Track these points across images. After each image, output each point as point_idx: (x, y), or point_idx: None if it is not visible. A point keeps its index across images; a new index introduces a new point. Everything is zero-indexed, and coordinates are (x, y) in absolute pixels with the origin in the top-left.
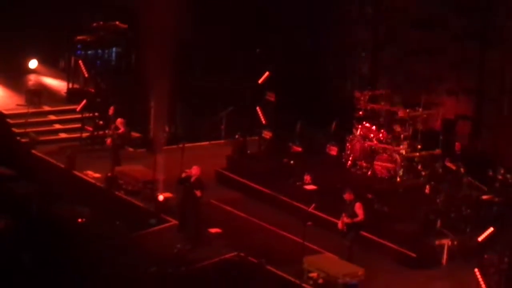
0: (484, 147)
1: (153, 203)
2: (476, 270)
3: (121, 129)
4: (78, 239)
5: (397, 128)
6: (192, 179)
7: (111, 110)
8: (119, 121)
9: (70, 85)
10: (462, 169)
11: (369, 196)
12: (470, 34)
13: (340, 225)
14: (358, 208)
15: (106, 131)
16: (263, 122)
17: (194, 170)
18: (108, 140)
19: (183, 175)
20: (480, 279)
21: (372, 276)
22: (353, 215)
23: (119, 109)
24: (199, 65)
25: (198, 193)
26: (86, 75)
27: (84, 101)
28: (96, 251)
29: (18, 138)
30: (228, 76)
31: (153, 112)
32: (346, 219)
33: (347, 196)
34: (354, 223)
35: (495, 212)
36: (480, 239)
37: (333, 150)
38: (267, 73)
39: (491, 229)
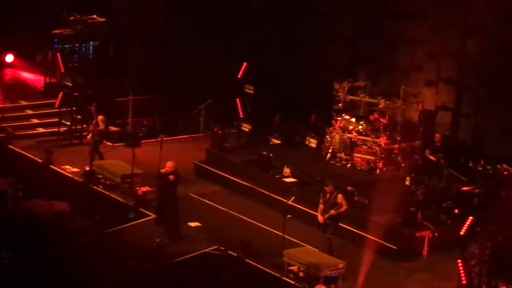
0: (464, 138)
1: (132, 197)
2: (459, 261)
3: (102, 127)
4: (56, 234)
5: (376, 120)
6: (170, 175)
7: (93, 108)
8: (100, 118)
9: (47, 79)
10: (442, 161)
11: (349, 188)
12: (450, 25)
13: (320, 218)
14: (341, 199)
15: (85, 126)
16: (241, 115)
17: (170, 167)
18: (88, 136)
19: (160, 174)
20: (462, 271)
21: (353, 269)
22: (334, 206)
23: (98, 105)
24: (178, 58)
25: (171, 177)
26: (62, 70)
27: (61, 94)
28: (75, 246)
29: None
30: (207, 69)
31: (131, 106)
32: (333, 211)
33: (329, 188)
34: (334, 216)
35: (475, 203)
36: (462, 232)
37: (313, 143)
38: (245, 65)
39: (471, 218)
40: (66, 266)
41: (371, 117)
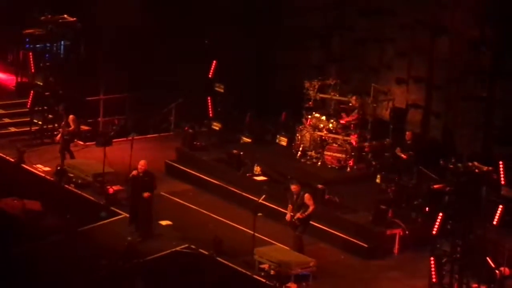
0: (435, 136)
1: (103, 196)
2: (432, 259)
3: (72, 127)
4: (28, 233)
5: (347, 118)
6: (141, 173)
7: (61, 107)
8: (70, 118)
9: (19, 79)
10: (412, 159)
11: (320, 186)
12: (419, 22)
13: (288, 217)
14: (308, 199)
15: (56, 125)
16: (211, 114)
17: (143, 166)
18: (58, 136)
19: (133, 173)
20: (433, 268)
21: (324, 267)
22: (302, 206)
23: (69, 104)
24: (148, 56)
25: (146, 194)
26: (32, 71)
27: (32, 93)
28: (46, 245)
29: None
30: (177, 68)
31: (102, 104)
32: (300, 215)
33: (294, 188)
34: (301, 219)
35: (446, 201)
36: (434, 231)
37: (283, 141)
38: (214, 63)
39: (440, 214)
40: (37, 265)
41: (341, 120)
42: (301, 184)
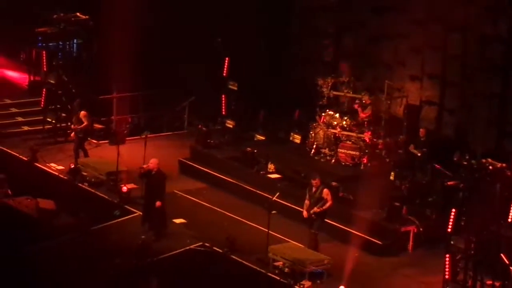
0: (449, 133)
1: (117, 194)
2: (447, 256)
3: (84, 123)
4: (42, 232)
5: (361, 115)
6: (153, 172)
7: (76, 102)
8: (82, 114)
9: (31, 78)
10: (426, 155)
11: (334, 183)
12: (432, 18)
13: (305, 214)
14: (327, 194)
15: (69, 124)
16: (224, 112)
17: (152, 164)
18: (72, 134)
19: (142, 170)
20: (447, 266)
21: (338, 264)
22: (320, 201)
23: (82, 101)
24: (161, 55)
25: (158, 204)
26: (45, 69)
27: (44, 91)
28: (60, 244)
29: None
30: (191, 66)
31: (116, 103)
32: (317, 209)
33: (316, 182)
34: (320, 212)
35: (460, 197)
36: (449, 229)
37: (297, 138)
38: (227, 60)
39: (453, 211)
40: (51, 264)
41: (361, 114)
42: (321, 178)
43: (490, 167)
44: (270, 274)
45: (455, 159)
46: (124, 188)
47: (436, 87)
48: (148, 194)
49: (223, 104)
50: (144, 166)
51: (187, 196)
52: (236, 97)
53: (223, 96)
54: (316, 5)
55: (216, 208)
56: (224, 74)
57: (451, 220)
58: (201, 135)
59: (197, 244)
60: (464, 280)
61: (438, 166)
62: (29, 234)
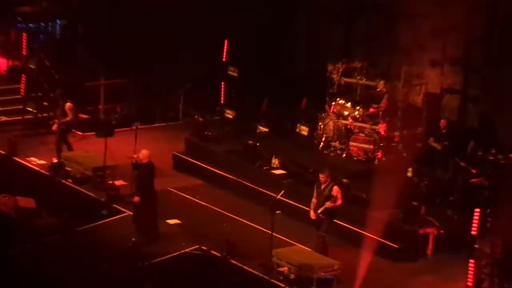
0: (472, 124)
1: (104, 192)
2: (471, 261)
3: (69, 116)
4: (21, 233)
5: (375, 105)
6: (142, 164)
7: (58, 93)
8: (67, 106)
9: (10, 63)
10: (448, 149)
11: (344, 180)
12: None
13: (312, 214)
14: (337, 191)
15: (52, 114)
16: (223, 100)
17: (142, 155)
18: (54, 126)
19: (133, 160)
20: (471, 272)
21: (349, 270)
22: (328, 200)
23: (66, 90)
24: (154, 38)
25: (136, 199)
26: (25, 53)
27: (24, 77)
28: (42, 246)
29: None
30: (187, 50)
31: (103, 90)
32: (328, 204)
33: (323, 177)
34: (328, 210)
35: (485, 196)
36: (473, 231)
37: (304, 130)
38: (226, 42)
39: (478, 211)
40: (30, 269)
41: (370, 109)
42: (331, 174)
43: None
44: (274, 281)
45: (469, 150)
46: (113, 185)
47: (458, 73)
48: (137, 190)
49: (222, 92)
50: (135, 156)
51: (182, 194)
52: (237, 84)
53: (222, 83)
54: None
55: (214, 208)
56: (224, 59)
57: (475, 221)
58: (197, 126)
59: (193, 248)
60: (489, 287)
61: (464, 164)
62: (6, 236)
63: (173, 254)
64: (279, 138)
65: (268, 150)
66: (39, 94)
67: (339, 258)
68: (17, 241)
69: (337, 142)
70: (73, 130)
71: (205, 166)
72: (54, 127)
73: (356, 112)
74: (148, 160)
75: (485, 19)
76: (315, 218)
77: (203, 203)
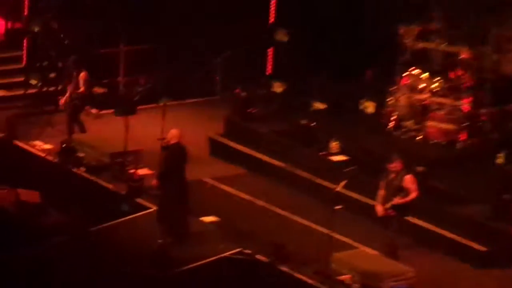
0: None
1: (125, 183)
2: None
3: (82, 88)
4: (23, 234)
5: (458, 78)
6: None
7: (71, 60)
8: (81, 76)
9: (9, 25)
10: None
11: (420, 169)
12: None
13: (379, 209)
14: (410, 182)
15: (60, 87)
16: (270, 71)
17: (171, 135)
18: (62, 100)
19: (163, 143)
20: None
21: (425, 278)
22: (400, 192)
23: (79, 58)
24: None
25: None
26: (26, 13)
27: (26, 43)
28: (48, 249)
29: None
30: (225, 9)
31: (123, 59)
32: (398, 199)
33: (395, 166)
34: (399, 205)
35: None
36: None
37: (370, 107)
38: (274, 1)
39: None
40: (34, 278)
41: (451, 74)
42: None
43: None
44: None
45: None
46: (135, 175)
47: None
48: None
49: (269, 61)
50: (165, 138)
51: (220, 185)
52: (287, 51)
53: (269, 49)
54: None
55: (259, 202)
56: (271, 20)
57: None
58: (239, 102)
59: (233, 251)
60: None
61: None
62: (5, 237)
63: (209, 260)
64: (340, 117)
65: (326, 132)
66: (45, 63)
67: (412, 263)
68: (18, 244)
69: (411, 121)
70: (86, 108)
71: (248, 151)
72: (62, 101)
73: (434, 85)
74: (177, 141)
75: None
76: (383, 214)
77: (246, 197)
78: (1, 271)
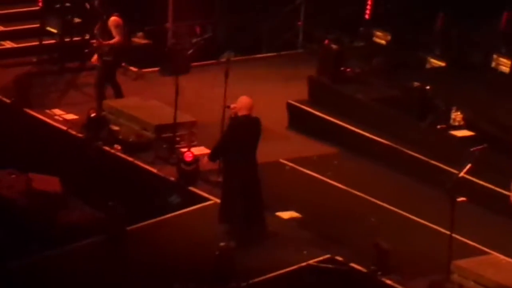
0: None
1: (175, 166)
2: None
3: (116, 38)
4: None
5: None
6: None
7: (97, 3)
8: (113, 21)
9: None
10: None
11: None
12: None
13: None
14: None
15: (87, 37)
16: (368, 16)
17: (241, 104)
18: (94, 57)
19: (231, 113)
20: None
21: None
22: None
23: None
24: None
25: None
26: None
27: None
28: (73, 253)
29: None
30: None
31: (173, 2)
32: None
33: None
34: None
35: None
36: None
37: (505, 65)
38: None
39: None
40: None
41: None
42: None
43: None
44: None
45: None
46: (188, 156)
47: None
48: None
49: (369, 3)
50: (232, 106)
51: (302, 169)
52: None
53: None
54: None
55: (354, 191)
56: None
57: None
58: (328, 58)
59: (321, 258)
60: None
61: None
62: (13, 238)
63: (289, 269)
64: (463, 78)
65: (446, 98)
66: (66, 4)
67: None
68: (31, 246)
69: None
70: (123, 65)
71: (341, 123)
72: (94, 58)
73: None
74: (248, 113)
75: None
76: None
77: (338, 185)
78: (8, 282)
